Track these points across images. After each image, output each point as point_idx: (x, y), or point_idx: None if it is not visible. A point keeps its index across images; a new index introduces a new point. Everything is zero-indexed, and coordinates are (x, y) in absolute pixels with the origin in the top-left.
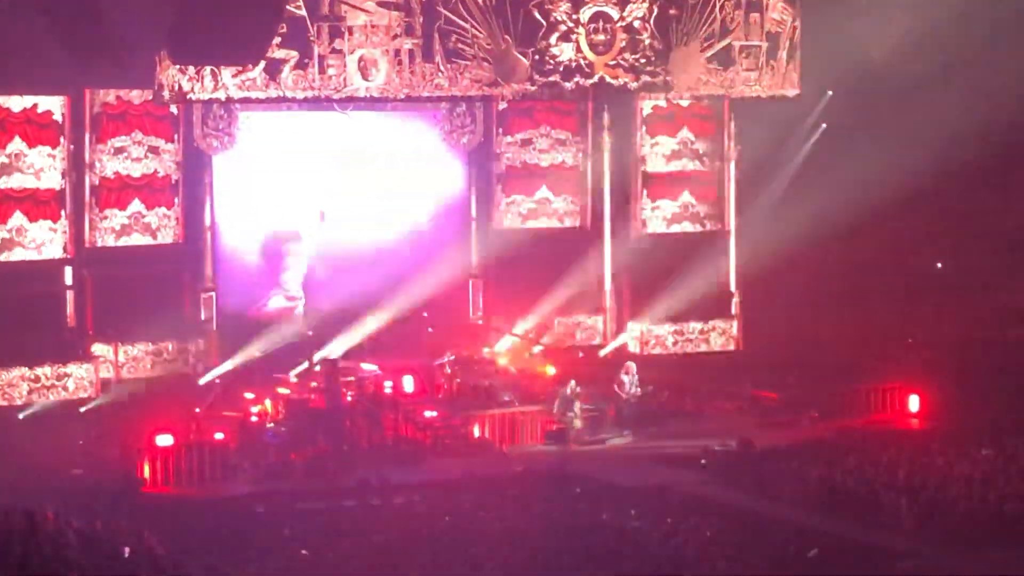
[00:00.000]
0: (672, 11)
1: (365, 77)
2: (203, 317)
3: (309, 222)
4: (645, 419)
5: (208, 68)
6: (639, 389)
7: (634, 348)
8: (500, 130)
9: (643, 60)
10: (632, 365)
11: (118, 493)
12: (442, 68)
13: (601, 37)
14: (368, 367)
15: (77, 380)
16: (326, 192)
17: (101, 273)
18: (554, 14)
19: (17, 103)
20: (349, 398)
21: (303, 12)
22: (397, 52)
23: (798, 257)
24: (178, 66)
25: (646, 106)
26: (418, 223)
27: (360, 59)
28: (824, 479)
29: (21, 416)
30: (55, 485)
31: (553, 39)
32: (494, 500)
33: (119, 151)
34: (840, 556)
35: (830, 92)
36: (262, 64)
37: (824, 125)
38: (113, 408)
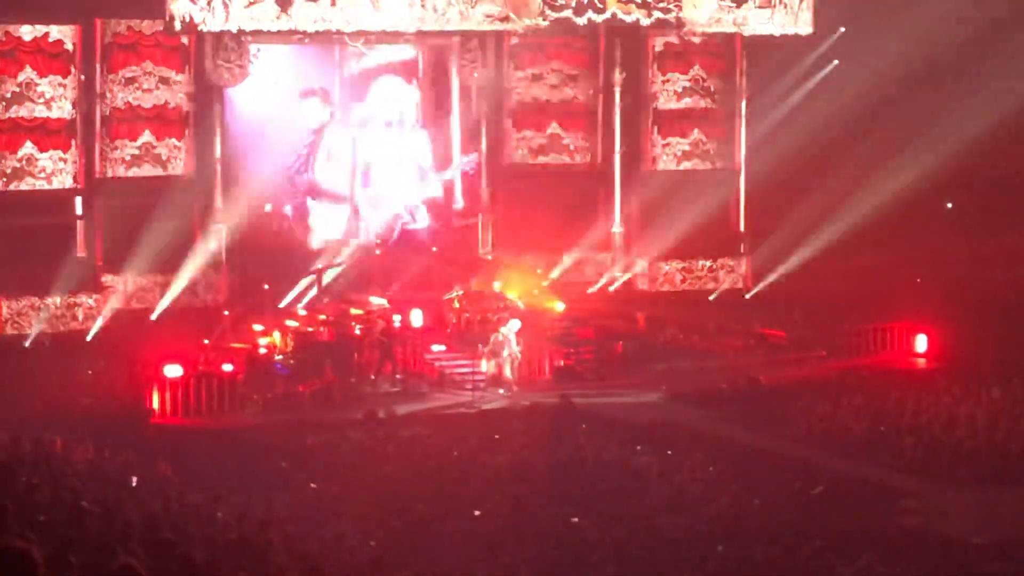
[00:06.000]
0: None
1: (376, 10)
2: (212, 249)
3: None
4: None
5: None
6: (518, 350)
7: (643, 285)
8: (511, 65)
9: None
10: (515, 323)
11: (126, 423)
12: (453, 2)
13: None
14: (377, 300)
15: (86, 310)
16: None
17: (111, 203)
18: None
19: (28, 32)
20: (358, 331)
21: None
22: None
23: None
24: None
25: (658, 43)
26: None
27: None
28: (830, 417)
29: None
30: (64, 414)
31: None
32: (501, 435)
33: (130, 81)
34: (845, 494)
35: (842, 28)
36: None
37: (836, 62)
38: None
